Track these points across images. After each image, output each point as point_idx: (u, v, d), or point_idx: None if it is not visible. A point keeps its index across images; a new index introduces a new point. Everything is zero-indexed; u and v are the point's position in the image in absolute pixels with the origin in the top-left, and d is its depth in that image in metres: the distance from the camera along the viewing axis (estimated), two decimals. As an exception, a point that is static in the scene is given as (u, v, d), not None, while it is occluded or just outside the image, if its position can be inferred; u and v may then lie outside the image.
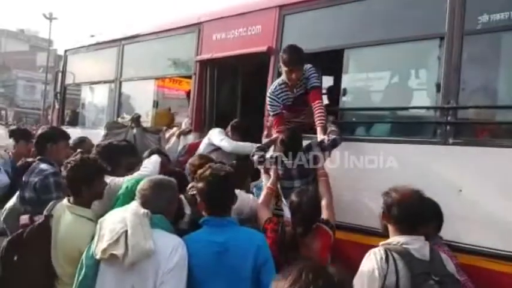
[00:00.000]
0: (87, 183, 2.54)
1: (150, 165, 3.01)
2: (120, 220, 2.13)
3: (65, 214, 2.51)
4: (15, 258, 2.46)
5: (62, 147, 3.33)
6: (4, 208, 3.31)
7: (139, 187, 2.32)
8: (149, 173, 2.86)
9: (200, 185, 2.33)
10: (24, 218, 2.71)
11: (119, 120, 5.06)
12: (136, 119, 4.56)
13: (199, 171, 2.42)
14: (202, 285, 2.16)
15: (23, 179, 3.17)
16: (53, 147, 3.25)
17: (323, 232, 2.72)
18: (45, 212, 2.60)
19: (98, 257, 2.10)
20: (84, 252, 2.22)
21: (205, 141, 4.24)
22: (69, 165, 2.56)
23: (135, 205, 2.23)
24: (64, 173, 2.58)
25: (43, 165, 3.10)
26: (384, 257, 1.95)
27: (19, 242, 2.50)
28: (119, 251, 2.03)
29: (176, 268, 2.07)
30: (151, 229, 2.12)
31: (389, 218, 2.11)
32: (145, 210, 2.15)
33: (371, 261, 1.98)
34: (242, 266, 2.15)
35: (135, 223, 2.08)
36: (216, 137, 4.12)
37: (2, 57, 45.91)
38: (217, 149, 4.07)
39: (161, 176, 2.53)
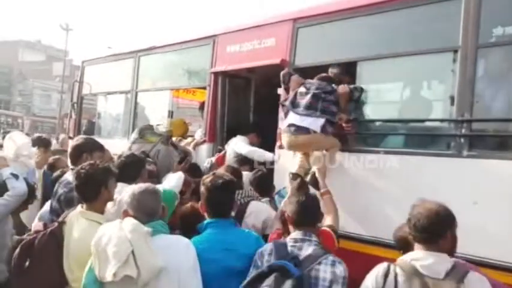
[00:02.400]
0: (99, 188, 2.60)
1: (174, 179, 3.06)
2: (122, 241, 2.09)
3: (78, 220, 2.55)
4: (27, 263, 2.49)
5: (96, 158, 3.24)
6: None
7: (130, 198, 2.29)
8: (172, 188, 2.92)
9: (202, 190, 2.52)
10: (38, 225, 2.74)
11: (154, 127, 5.01)
12: (166, 139, 4.51)
13: (203, 178, 2.61)
14: (213, 279, 2.27)
15: (56, 188, 3.19)
16: (88, 158, 3.22)
17: (326, 235, 2.72)
18: (60, 219, 2.66)
19: (109, 279, 2.05)
20: (85, 274, 2.19)
21: (229, 150, 4.42)
22: (82, 171, 2.60)
23: (132, 223, 2.17)
24: (76, 181, 2.61)
25: (72, 177, 3.06)
26: (382, 272, 1.96)
27: (31, 247, 2.53)
28: (131, 271, 2.01)
29: (193, 267, 2.13)
30: (157, 236, 2.14)
31: (413, 231, 2.02)
32: (148, 229, 2.13)
33: (370, 276, 2.02)
34: (244, 263, 2.34)
35: (140, 242, 2.06)
36: (239, 144, 4.32)
37: (19, 66, 46.89)
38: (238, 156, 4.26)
39: (145, 184, 2.46)
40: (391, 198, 3.18)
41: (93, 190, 2.59)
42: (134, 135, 4.60)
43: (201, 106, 5.38)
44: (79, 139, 3.54)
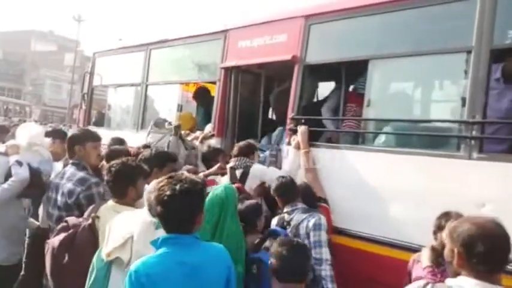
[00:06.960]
0: (131, 184, 2.67)
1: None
2: (128, 226, 2.16)
3: (110, 214, 2.56)
4: (66, 258, 2.51)
5: (90, 149, 3.28)
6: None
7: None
8: None
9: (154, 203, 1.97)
10: (72, 219, 2.73)
11: (166, 125, 5.09)
12: (176, 128, 4.62)
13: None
14: None
15: (55, 181, 3.19)
16: (81, 150, 3.24)
17: (327, 212, 3.33)
18: (86, 214, 2.71)
19: (103, 259, 2.13)
20: (95, 255, 2.25)
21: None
22: (112, 169, 2.66)
23: (144, 212, 2.24)
24: (108, 177, 2.68)
25: (82, 174, 3.09)
26: None
27: (72, 242, 2.55)
28: (124, 255, 2.07)
29: None
30: (156, 234, 2.09)
31: (469, 256, 1.65)
32: (153, 219, 2.15)
33: None
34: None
35: (141, 231, 2.11)
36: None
37: (31, 56, 47.31)
38: None
39: None
40: (398, 198, 3.17)
41: (121, 188, 2.67)
42: (149, 127, 4.77)
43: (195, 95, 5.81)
44: (72, 132, 3.53)
